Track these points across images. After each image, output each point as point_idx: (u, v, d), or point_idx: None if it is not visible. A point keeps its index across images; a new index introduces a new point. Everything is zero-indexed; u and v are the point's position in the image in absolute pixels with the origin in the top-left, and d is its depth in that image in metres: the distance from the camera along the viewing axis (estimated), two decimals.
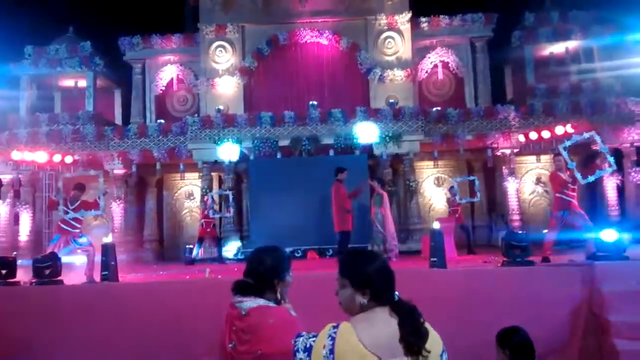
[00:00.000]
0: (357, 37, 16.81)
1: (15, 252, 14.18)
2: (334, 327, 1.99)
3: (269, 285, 2.59)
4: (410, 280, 6.55)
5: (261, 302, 2.54)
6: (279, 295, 2.59)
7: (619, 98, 14.95)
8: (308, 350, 2.03)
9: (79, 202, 9.17)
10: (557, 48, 16.66)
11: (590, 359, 6.48)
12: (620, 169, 14.09)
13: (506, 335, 3.70)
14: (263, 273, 2.61)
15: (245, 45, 16.97)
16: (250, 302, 2.54)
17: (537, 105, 15.21)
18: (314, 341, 2.03)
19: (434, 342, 1.98)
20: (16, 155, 13.47)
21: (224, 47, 16.80)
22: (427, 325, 1.99)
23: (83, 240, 9.20)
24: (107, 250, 8.32)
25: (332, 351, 1.94)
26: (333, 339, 1.96)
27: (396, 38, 16.64)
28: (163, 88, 17.94)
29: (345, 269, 2.12)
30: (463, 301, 6.63)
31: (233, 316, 2.57)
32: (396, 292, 2.05)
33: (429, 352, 1.92)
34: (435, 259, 8.01)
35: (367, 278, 2.04)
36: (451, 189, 13.17)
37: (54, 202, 9.47)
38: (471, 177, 14.05)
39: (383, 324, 1.95)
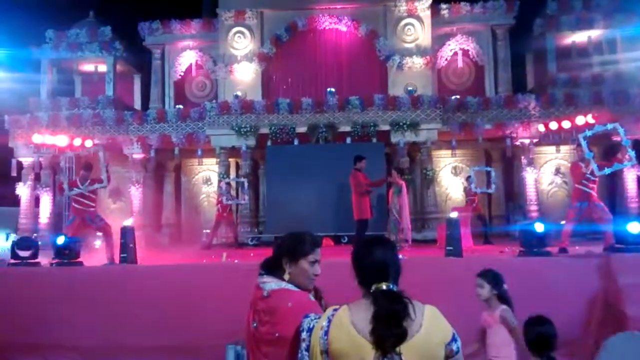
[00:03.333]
0: (376, 23, 16.64)
1: (35, 234, 14.57)
2: (334, 310, 2.06)
3: (279, 264, 2.63)
4: (426, 268, 6.57)
5: (283, 284, 2.57)
6: (286, 277, 2.60)
7: None
8: (310, 330, 2.12)
9: (88, 181, 9.29)
10: (580, 37, 16.36)
11: None
12: None
13: (529, 323, 3.70)
14: (277, 251, 2.68)
15: (264, 31, 16.90)
16: (273, 284, 2.57)
17: (558, 95, 15.00)
18: (317, 322, 2.10)
19: (437, 331, 1.99)
20: (37, 138, 13.65)
21: (242, 33, 16.76)
22: (430, 313, 2.00)
23: (98, 218, 9.32)
24: (126, 233, 8.45)
25: (326, 332, 2.01)
26: (330, 321, 2.03)
27: (416, 25, 16.45)
28: (182, 73, 18.01)
29: (352, 255, 2.22)
30: None
31: (257, 296, 2.62)
32: (391, 285, 2.03)
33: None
34: (451, 248, 8.02)
35: (355, 265, 2.15)
36: (468, 178, 13.11)
37: (61, 184, 9.64)
38: (488, 168, 13.95)
39: (369, 310, 1.98)
